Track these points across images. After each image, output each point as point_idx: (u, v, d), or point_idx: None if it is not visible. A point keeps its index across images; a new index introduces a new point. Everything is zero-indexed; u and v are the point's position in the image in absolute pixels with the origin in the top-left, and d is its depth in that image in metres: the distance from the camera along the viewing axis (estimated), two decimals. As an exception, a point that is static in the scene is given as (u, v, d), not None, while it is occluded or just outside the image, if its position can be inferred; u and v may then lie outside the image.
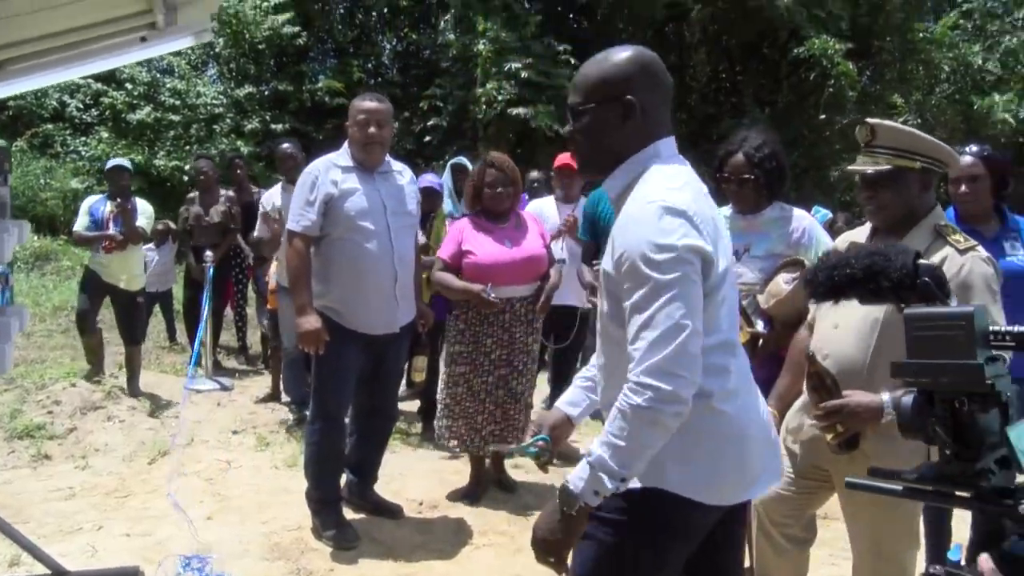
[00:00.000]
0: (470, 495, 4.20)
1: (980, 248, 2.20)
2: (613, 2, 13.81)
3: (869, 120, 2.29)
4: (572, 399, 1.97)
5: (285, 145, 5.63)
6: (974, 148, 3.15)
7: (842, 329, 2.27)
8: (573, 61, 12.61)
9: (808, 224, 3.05)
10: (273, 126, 12.57)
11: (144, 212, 5.96)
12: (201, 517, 3.84)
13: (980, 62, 15.37)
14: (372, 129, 3.49)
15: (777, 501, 2.47)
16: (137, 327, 6.13)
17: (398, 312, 3.61)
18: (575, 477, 1.61)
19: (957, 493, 0.89)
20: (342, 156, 3.60)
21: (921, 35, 14.99)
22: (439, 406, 4.17)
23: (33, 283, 9.38)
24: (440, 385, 4.25)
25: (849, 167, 2.36)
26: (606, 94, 1.71)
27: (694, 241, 1.58)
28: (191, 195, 7.15)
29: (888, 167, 2.22)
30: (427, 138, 13.53)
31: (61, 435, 4.92)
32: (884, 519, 2.23)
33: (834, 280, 1.02)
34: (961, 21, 15.90)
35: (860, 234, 2.43)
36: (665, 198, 1.60)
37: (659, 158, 1.71)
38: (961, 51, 15.18)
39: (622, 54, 1.74)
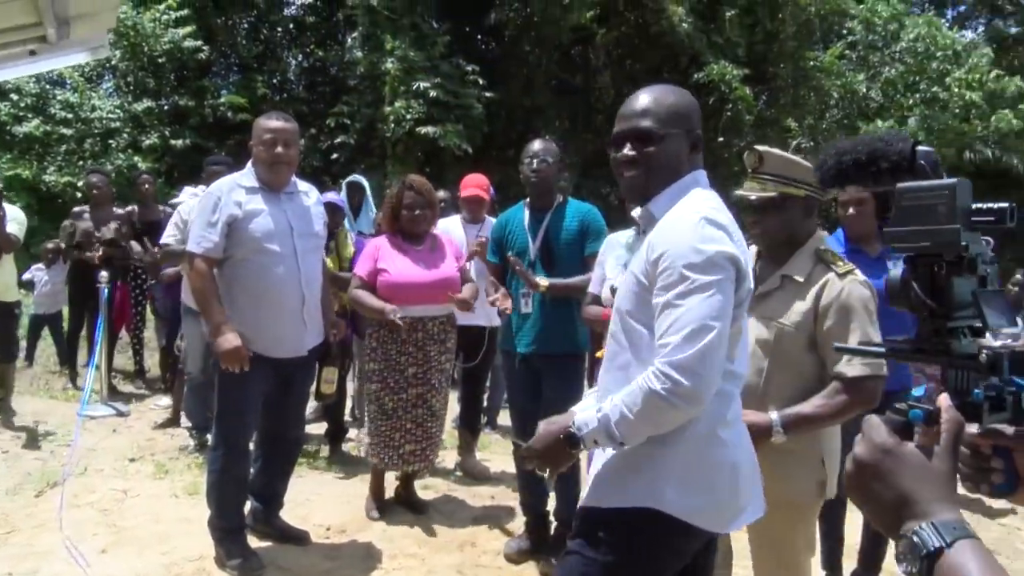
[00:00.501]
0: (373, 508, 4.17)
1: (858, 272, 2.29)
2: (520, 24, 14.03)
3: (758, 147, 2.36)
4: (585, 407, 1.96)
5: (216, 163, 5.42)
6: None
7: None
8: (481, 81, 12.75)
9: None
10: (173, 142, 12.19)
11: (15, 218, 5.55)
12: (95, 551, 3.64)
13: (864, 90, 16.35)
14: (279, 149, 3.41)
15: None
16: (12, 342, 5.78)
17: (306, 335, 3.55)
18: (583, 421, 1.72)
19: (931, 351, 0.97)
20: (246, 176, 3.51)
21: (812, 63, 15.83)
22: (366, 425, 4.15)
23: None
24: (363, 404, 4.24)
25: (736, 192, 2.44)
26: (682, 125, 1.83)
27: (732, 250, 1.69)
28: (77, 209, 6.84)
29: (774, 194, 2.30)
30: (334, 156, 13.40)
31: (-66, 470, 4.61)
32: (784, 528, 2.30)
33: (841, 164, 1.09)
34: (847, 51, 16.88)
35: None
36: (708, 212, 1.72)
37: (699, 184, 1.85)
38: (847, 79, 16.12)
39: (682, 91, 1.90)
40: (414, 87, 12.04)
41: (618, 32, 14.81)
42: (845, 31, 17.25)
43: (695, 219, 1.70)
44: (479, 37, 15.26)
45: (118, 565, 3.52)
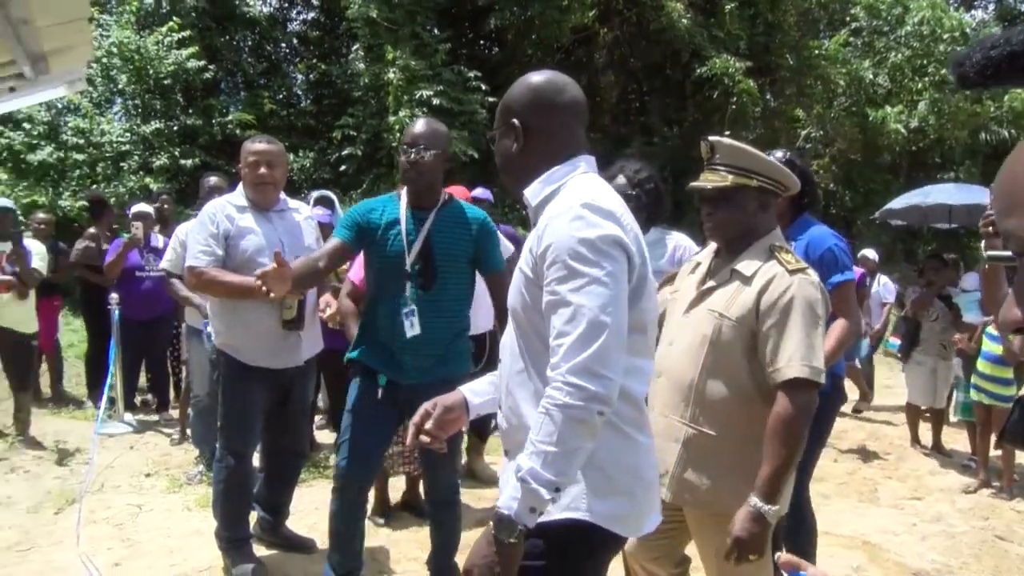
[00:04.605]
0: (378, 514, 4.25)
1: (811, 271, 2.19)
2: (520, 27, 14.08)
3: (710, 137, 2.31)
4: (476, 388, 1.90)
5: (212, 179, 5.51)
6: (778, 154, 3.02)
7: (676, 346, 2.29)
8: (484, 87, 12.83)
9: (688, 243, 3.24)
10: (183, 161, 12.35)
11: (38, 253, 5.80)
12: (108, 564, 3.75)
13: (871, 76, 16.25)
14: (263, 170, 3.51)
15: (642, 544, 2.42)
16: (30, 371, 5.95)
17: (301, 345, 3.63)
18: (507, 500, 1.51)
19: None
20: (237, 196, 3.62)
21: (816, 52, 15.75)
22: None
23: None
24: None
25: (691, 184, 2.35)
26: (504, 120, 1.79)
27: (618, 234, 1.58)
28: (92, 231, 7.01)
29: (726, 184, 2.23)
30: (343, 167, 13.52)
31: (-41, 491, 4.75)
32: (723, 541, 2.21)
33: (990, 58, 0.88)
34: (851, 39, 16.79)
35: (705, 254, 2.46)
36: (594, 198, 1.62)
37: (577, 171, 1.74)
38: (853, 66, 16.02)
39: (522, 80, 1.81)
40: (417, 96, 12.14)
41: (619, 31, 14.83)
42: (848, 18, 17.17)
43: (578, 208, 1.59)
44: (480, 43, 15.34)
45: (130, 578, 3.63)
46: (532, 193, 1.76)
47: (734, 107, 14.20)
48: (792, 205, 3.04)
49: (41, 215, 7.45)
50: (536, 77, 1.80)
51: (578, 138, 1.79)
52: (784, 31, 15.40)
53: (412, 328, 2.97)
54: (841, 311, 2.96)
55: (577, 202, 1.61)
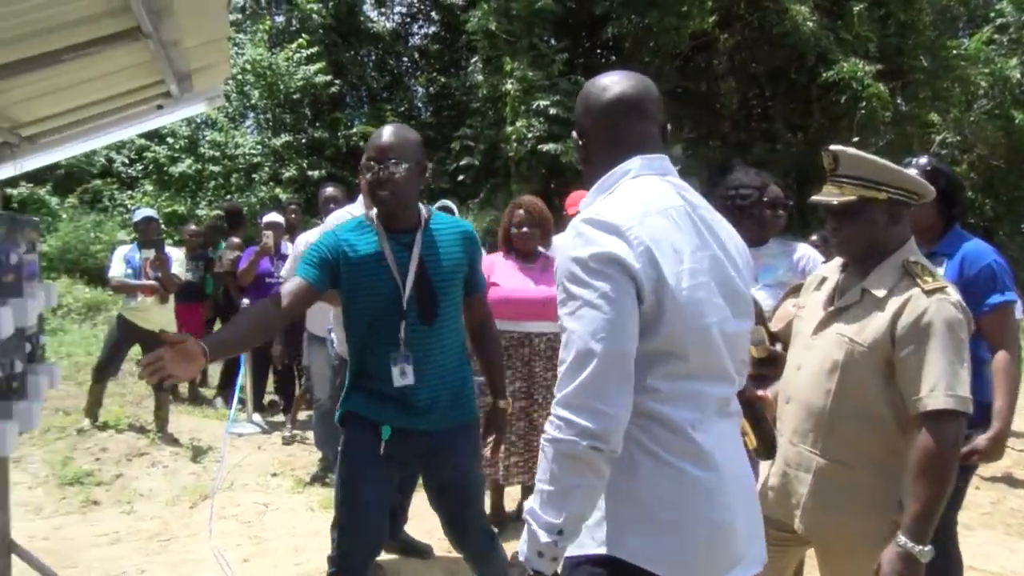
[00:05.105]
0: (492, 523, 4.26)
1: (950, 289, 1.98)
2: (638, 35, 13.96)
3: (832, 147, 2.11)
4: None
5: (328, 189, 5.68)
6: (922, 161, 2.79)
7: (804, 371, 2.15)
8: (601, 96, 12.80)
9: (812, 253, 3.16)
10: (310, 172, 12.92)
11: (177, 259, 6.20)
12: (238, 560, 3.93)
13: (1019, 76, 15.15)
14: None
15: None
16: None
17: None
18: (521, 543, 1.43)
19: None
20: (356, 207, 3.73)
21: (955, 52, 14.84)
22: None
23: (85, 333, 9.70)
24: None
25: (814, 197, 2.16)
26: (576, 124, 1.72)
27: (616, 252, 1.43)
28: (236, 240, 7.39)
29: (852, 198, 2.04)
30: (460, 177, 13.77)
31: (108, 481, 5.07)
32: (855, 571, 2.09)
33: None
34: (996, 36, 15.72)
35: (830, 268, 2.29)
36: (599, 212, 1.49)
37: (628, 176, 1.60)
38: (998, 66, 14.99)
39: (588, 85, 1.71)
40: (534, 106, 12.24)
41: (740, 36, 14.47)
42: (992, 14, 16.09)
43: (579, 225, 1.48)
44: (597, 52, 15.31)
45: (258, 575, 3.78)
46: (585, 205, 1.64)
47: (863, 112, 13.55)
48: (941, 217, 2.80)
49: (192, 227, 7.96)
50: (588, 83, 1.71)
51: (635, 135, 1.63)
52: (919, 31, 14.59)
53: (404, 377, 2.52)
54: (998, 338, 2.66)
55: (580, 219, 1.50)
